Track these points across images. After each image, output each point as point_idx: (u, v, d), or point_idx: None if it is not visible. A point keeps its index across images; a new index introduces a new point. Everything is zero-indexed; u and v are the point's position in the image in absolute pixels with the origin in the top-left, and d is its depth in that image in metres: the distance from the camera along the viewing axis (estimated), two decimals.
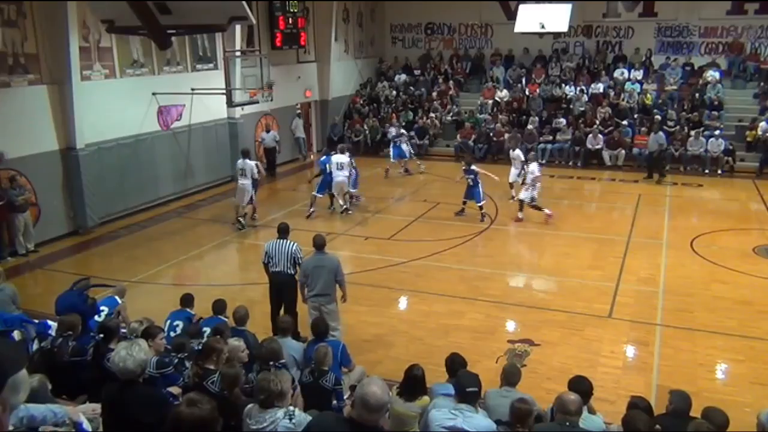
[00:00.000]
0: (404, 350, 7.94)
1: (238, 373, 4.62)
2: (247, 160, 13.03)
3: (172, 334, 6.73)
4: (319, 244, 7.63)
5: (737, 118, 18.95)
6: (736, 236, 12.35)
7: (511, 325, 8.91)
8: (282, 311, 7.81)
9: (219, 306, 6.92)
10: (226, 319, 6.71)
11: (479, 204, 13.37)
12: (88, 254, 12.18)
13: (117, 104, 13.73)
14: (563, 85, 21.15)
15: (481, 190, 13.37)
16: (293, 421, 3.93)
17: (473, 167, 13.36)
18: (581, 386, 4.69)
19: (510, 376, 5.11)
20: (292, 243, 7.91)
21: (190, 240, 12.87)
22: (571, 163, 18.94)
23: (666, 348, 7.97)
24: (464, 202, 13.62)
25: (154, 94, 14.68)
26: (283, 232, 8.02)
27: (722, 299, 9.39)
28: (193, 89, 15.47)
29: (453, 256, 11.52)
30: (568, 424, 4.06)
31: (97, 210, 13.20)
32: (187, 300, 7.28)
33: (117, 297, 7.51)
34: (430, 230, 12.94)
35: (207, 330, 6.50)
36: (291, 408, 4.07)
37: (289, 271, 7.79)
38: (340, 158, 13.86)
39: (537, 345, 8.05)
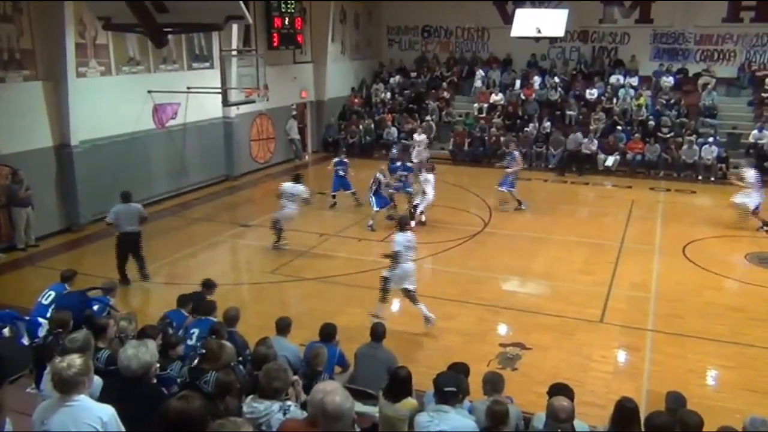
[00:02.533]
0: (395, 352, 7.87)
1: (232, 381, 4.61)
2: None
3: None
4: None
5: (731, 125, 19.04)
6: (728, 243, 12.42)
7: (502, 329, 8.93)
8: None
9: (206, 307, 6.84)
10: (215, 320, 6.64)
11: (352, 191, 14.53)
12: (82, 251, 12.11)
13: (112, 101, 13.67)
14: (558, 89, 21.21)
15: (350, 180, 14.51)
16: (287, 415, 3.96)
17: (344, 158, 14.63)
18: (561, 393, 4.63)
19: (494, 385, 5.04)
20: (137, 205, 9.93)
21: (183, 239, 12.84)
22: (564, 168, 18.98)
23: (657, 353, 8.01)
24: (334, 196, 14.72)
25: (149, 92, 14.64)
26: (128, 197, 9.87)
27: (714, 305, 9.42)
28: (188, 88, 15.44)
29: (445, 259, 11.53)
30: (559, 430, 4.06)
31: (91, 207, 13.10)
32: (182, 301, 7.19)
33: (108, 296, 7.46)
34: (423, 233, 12.90)
35: (195, 331, 6.45)
36: (288, 402, 4.11)
37: (135, 228, 9.83)
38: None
39: (528, 349, 8.07)
